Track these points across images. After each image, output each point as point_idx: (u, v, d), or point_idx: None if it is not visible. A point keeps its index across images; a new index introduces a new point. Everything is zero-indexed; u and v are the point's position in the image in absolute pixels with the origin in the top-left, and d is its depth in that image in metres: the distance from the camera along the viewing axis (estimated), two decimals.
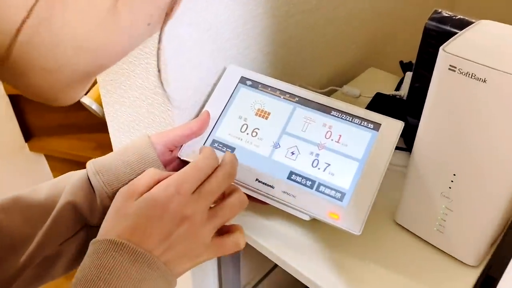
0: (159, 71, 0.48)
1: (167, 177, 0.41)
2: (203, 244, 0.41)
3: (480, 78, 0.40)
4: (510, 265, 0.34)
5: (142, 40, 0.27)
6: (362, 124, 0.50)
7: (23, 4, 0.19)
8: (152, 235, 0.39)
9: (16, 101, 1.44)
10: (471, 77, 0.41)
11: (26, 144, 1.52)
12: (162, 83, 0.47)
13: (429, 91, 0.46)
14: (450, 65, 0.42)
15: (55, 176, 1.69)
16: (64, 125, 1.56)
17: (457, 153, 0.45)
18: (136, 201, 0.40)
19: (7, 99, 1.41)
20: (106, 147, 0.67)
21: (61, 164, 1.59)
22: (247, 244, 0.57)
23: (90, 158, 0.48)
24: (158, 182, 0.41)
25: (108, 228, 0.40)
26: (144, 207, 0.40)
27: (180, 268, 0.40)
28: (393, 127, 0.50)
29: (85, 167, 0.48)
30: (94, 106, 0.68)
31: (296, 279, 0.53)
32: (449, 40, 0.44)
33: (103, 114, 0.67)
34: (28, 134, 1.52)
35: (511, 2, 1.15)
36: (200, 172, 0.41)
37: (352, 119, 0.51)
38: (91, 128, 1.54)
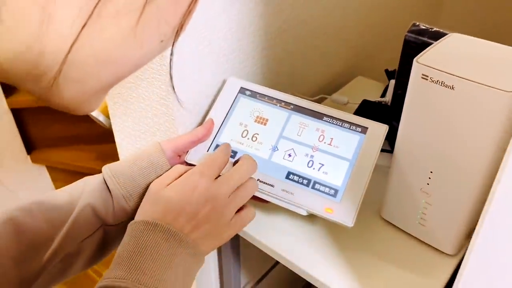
0: (171, 77, 0.54)
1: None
2: (226, 222, 0.49)
3: (449, 86, 0.46)
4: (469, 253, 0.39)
5: (155, 55, 0.31)
6: (351, 128, 0.56)
7: (72, 31, 0.24)
8: (180, 215, 0.46)
9: (18, 115, 1.48)
10: (441, 85, 0.46)
11: (28, 156, 1.57)
12: (173, 87, 0.54)
13: (406, 97, 0.51)
14: (422, 74, 0.47)
15: (57, 187, 1.73)
16: (65, 137, 1.60)
17: (432, 152, 0.51)
18: (166, 188, 0.48)
19: (10, 113, 1.46)
20: (106, 157, 0.71)
21: (63, 175, 1.63)
22: (247, 244, 0.62)
23: (91, 168, 0.54)
24: None
25: (143, 212, 0.48)
26: (173, 192, 0.48)
27: (207, 246, 0.48)
28: (379, 130, 0.55)
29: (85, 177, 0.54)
30: (101, 118, 0.73)
31: (295, 277, 0.57)
32: (422, 52, 0.49)
33: (110, 125, 0.72)
34: (30, 146, 1.57)
35: (488, 17, 1.22)
36: (217, 161, 0.51)
37: (342, 124, 0.56)
38: (91, 140, 1.58)
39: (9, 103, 1.44)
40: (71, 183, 0.53)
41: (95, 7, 0.24)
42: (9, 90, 1.44)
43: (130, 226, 0.46)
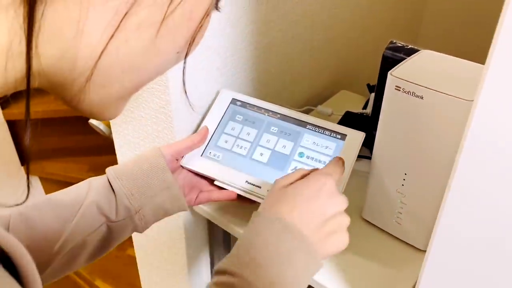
0: (183, 83, 0.58)
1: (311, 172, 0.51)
2: (345, 227, 0.48)
3: (418, 96, 0.52)
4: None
5: (172, 65, 0.35)
6: (331, 135, 0.62)
7: (100, 42, 0.28)
8: (306, 213, 0.46)
9: (13, 126, 1.52)
10: (411, 95, 0.52)
11: (22, 167, 1.60)
12: (185, 92, 0.56)
13: (382, 107, 0.57)
14: (396, 86, 0.53)
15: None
16: (58, 149, 1.63)
17: (406, 156, 0.57)
18: (292, 185, 0.48)
19: (5, 125, 1.49)
20: (98, 169, 0.74)
21: (56, 186, 1.66)
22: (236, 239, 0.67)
23: (83, 180, 0.58)
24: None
25: (268, 205, 0.48)
26: (300, 188, 0.47)
27: (326, 249, 0.46)
28: (356, 136, 0.61)
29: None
30: (101, 127, 0.78)
31: None
32: (396, 66, 0.56)
33: (109, 134, 0.77)
34: (24, 157, 1.59)
35: (463, 36, 1.30)
36: (340, 166, 0.52)
37: (323, 131, 0.62)
38: (84, 152, 1.61)
39: (5, 114, 1.48)
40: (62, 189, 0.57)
41: (121, 21, 0.28)
42: (5, 103, 1.48)
43: (255, 217, 0.46)
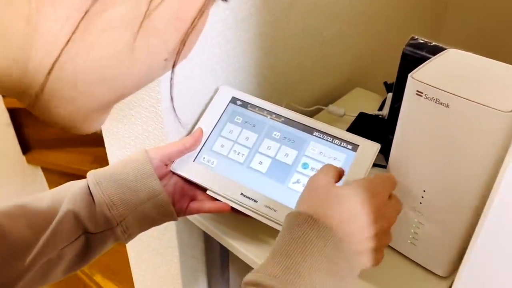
0: (171, 99, 0.52)
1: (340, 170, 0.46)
2: (385, 243, 0.43)
3: (443, 103, 0.44)
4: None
5: (161, 73, 0.29)
6: (341, 144, 0.54)
7: (55, 45, 0.22)
8: (353, 222, 0.40)
9: (15, 115, 1.47)
10: (435, 102, 0.45)
11: (24, 156, 1.56)
12: (174, 109, 0.51)
13: (400, 113, 0.50)
14: (417, 91, 0.46)
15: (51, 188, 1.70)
16: (62, 139, 1.59)
17: (425, 171, 0.49)
18: (342, 186, 0.43)
19: (6, 113, 1.45)
20: (103, 160, 0.70)
21: (58, 177, 1.62)
22: (235, 259, 0.60)
23: (87, 172, 0.52)
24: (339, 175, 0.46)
25: (309, 205, 0.42)
26: (352, 192, 0.42)
27: (366, 261, 0.41)
28: (370, 148, 0.54)
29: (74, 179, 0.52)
30: None
31: None
32: (418, 67, 0.48)
33: (100, 130, 0.71)
34: (26, 146, 1.55)
35: (490, 33, 1.20)
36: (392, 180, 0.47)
37: (332, 140, 0.55)
38: (88, 142, 1.57)
39: (6, 102, 1.43)
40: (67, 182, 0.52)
41: (80, 21, 0.22)
42: None
43: (291, 217, 0.41)
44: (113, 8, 0.23)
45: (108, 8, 0.23)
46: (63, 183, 0.53)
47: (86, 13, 0.22)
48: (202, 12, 0.27)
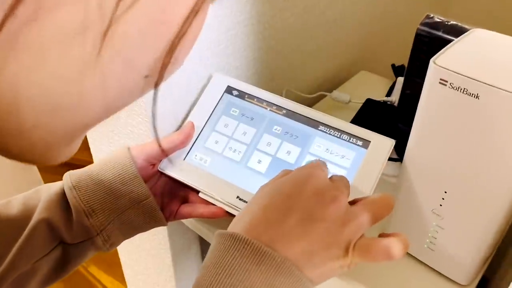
0: (153, 116, 0.44)
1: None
2: (345, 242, 0.34)
3: (473, 94, 0.38)
4: None
5: (140, 94, 0.22)
6: (350, 140, 0.48)
7: None
8: (275, 223, 0.34)
9: None
10: (463, 92, 0.38)
11: None
12: (155, 127, 0.43)
13: (419, 103, 0.43)
14: (440, 79, 0.39)
15: (43, 178, 1.64)
16: None
17: (448, 170, 0.43)
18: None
19: None
20: None
21: (52, 166, 1.56)
22: None
23: (81, 160, 0.46)
24: None
25: (234, 221, 0.36)
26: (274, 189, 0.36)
27: (314, 273, 0.33)
28: (383, 145, 0.47)
29: (73, 169, 0.46)
30: None
31: None
32: (441, 51, 0.41)
33: None
34: None
35: (505, 7, 1.12)
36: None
37: (340, 135, 0.48)
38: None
39: None
40: (61, 175, 0.46)
41: (2, 22, 0.15)
42: None
43: (216, 238, 0.35)
44: (59, 8, 0.16)
45: (53, 7, 0.16)
46: (58, 172, 0.46)
47: (11, 12, 0.15)
48: (196, 11, 0.20)
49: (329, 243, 0.34)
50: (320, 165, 0.39)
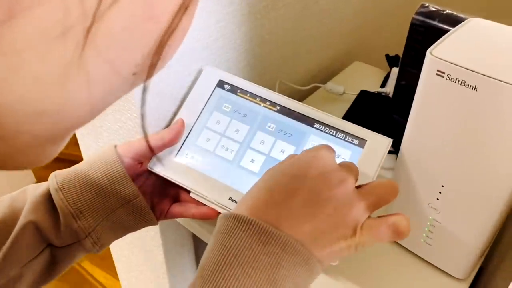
0: (142, 117, 0.43)
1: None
2: (353, 222, 0.34)
3: (471, 86, 0.37)
4: None
5: (127, 90, 0.21)
6: (346, 139, 0.46)
7: None
8: (283, 203, 0.33)
9: None
10: (460, 84, 0.37)
11: None
12: (144, 128, 0.41)
13: (415, 95, 0.42)
14: (438, 70, 0.38)
15: (35, 175, 1.62)
16: None
17: (445, 163, 0.42)
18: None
19: None
20: None
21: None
22: None
23: (76, 156, 0.44)
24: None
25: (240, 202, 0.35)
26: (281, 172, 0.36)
27: (321, 252, 0.33)
28: (380, 144, 0.46)
29: (66, 164, 0.44)
30: None
31: None
32: (438, 41, 0.40)
33: None
34: None
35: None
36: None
37: (335, 133, 0.47)
38: None
39: None
40: (52, 170, 0.44)
41: None
42: None
43: (219, 220, 0.34)
44: (35, 9, 0.15)
45: (24, 10, 0.15)
46: (52, 167, 0.44)
47: None
48: (186, 6, 0.19)
49: (337, 222, 0.33)
50: (327, 147, 0.38)
